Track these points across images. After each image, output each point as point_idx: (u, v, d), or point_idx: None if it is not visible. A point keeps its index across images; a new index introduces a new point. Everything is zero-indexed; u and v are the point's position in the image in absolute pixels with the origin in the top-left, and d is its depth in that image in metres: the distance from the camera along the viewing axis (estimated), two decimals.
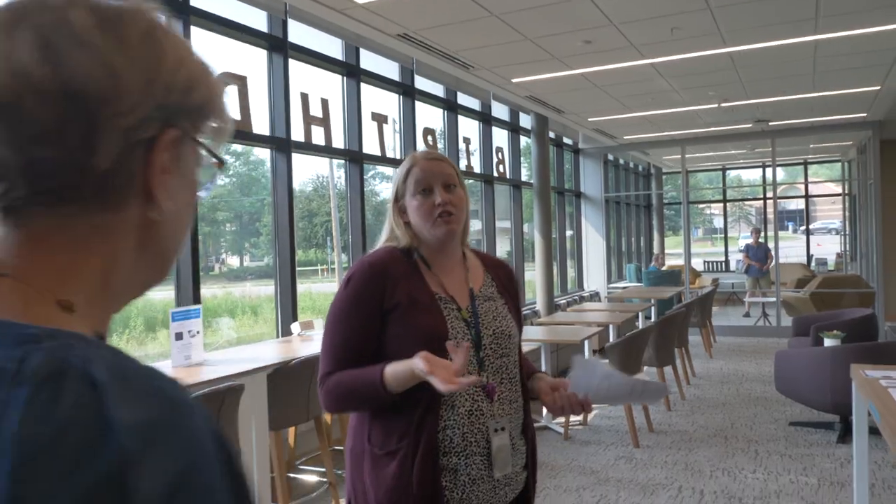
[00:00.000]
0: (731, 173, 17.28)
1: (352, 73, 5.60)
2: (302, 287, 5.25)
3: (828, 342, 5.38)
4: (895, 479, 4.23)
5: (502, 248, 8.80)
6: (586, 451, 4.99)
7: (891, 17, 4.92)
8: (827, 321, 6.45)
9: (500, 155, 7.93)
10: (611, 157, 11.52)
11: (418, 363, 1.45)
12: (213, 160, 0.62)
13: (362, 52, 5.64)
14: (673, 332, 6.36)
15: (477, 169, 7.55)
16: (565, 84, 6.58)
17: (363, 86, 5.71)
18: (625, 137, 10.31)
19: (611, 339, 7.07)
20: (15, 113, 0.49)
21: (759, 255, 11.76)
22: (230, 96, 0.67)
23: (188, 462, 0.44)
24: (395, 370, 1.52)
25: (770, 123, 9.25)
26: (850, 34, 5.27)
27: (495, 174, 7.74)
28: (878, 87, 7.18)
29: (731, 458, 4.73)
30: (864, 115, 8.85)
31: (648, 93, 7.11)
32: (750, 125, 9.36)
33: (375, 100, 6.24)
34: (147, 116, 0.53)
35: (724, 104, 7.73)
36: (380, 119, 5.88)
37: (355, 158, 5.62)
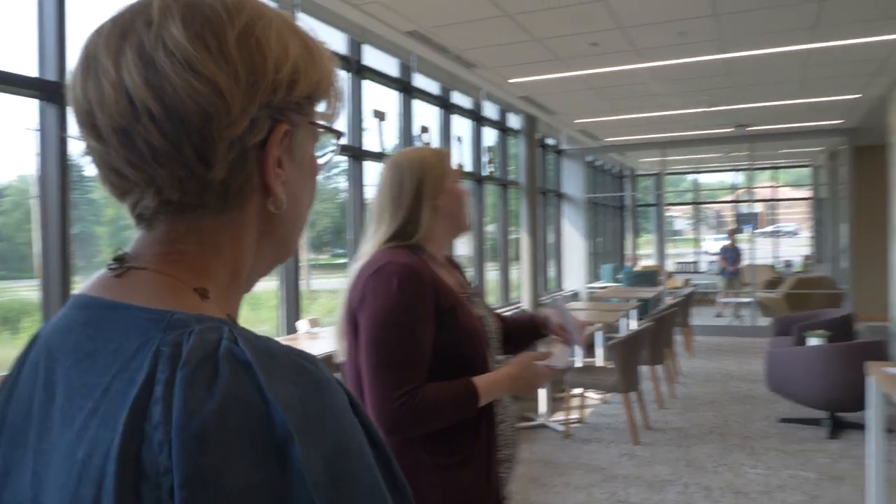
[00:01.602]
0: (688, 176, 17.71)
1: (356, 69, 5.57)
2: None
3: (813, 341, 5.57)
4: None
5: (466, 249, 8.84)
6: (588, 448, 5.06)
7: (882, 29, 5.10)
8: (808, 321, 6.66)
9: (490, 154, 7.97)
10: (589, 158, 11.67)
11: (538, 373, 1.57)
12: (330, 135, 0.63)
13: (362, 47, 5.61)
14: (663, 332, 6.50)
15: (468, 168, 7.57)
16: (562, 85, 6.65)
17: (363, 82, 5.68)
18: (607, 139, 10.46)
19: (595, 339, 7.18)
20: (130, 137, 0.51)
21: (733, 257, 12.07)
22: (339, 71, 0.66)
23: (339, 433, 0.47)
24: (491, 382, 1.52)
25: (749, 128, 9.49)
26: (842, 44, 5.44)
27: (484, 173, 7.78)
28: (859, 95, 7.43)
29: (730, 454, 4.85)
30: (842, 121, 9.15)
31: (640, 95, 7.23)
32: (730, 129, 9.59)
33: (373, 96, 6.21)
34: (255, 118, 0.53)
35: (711, 108, 7.90)
36: (380, 116, 5.85)
37: (357, 155, 5.58)
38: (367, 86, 5.81)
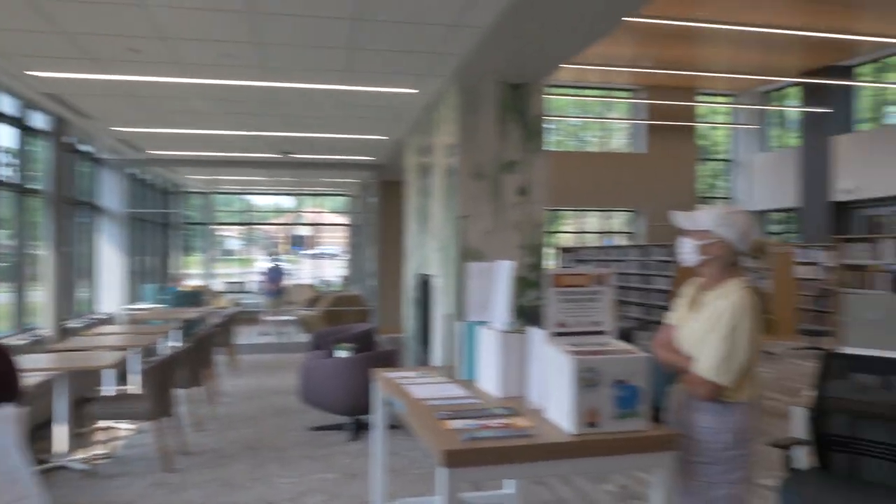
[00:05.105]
0: (243, 196, 18.18)
1: None
2: None
3: (340, 353, 6.14)
4: (402, 466, 5.06)
5: None
6: (114, 484, 4.66)
7: (399, 83, 5.97)
8: (339, 335, 7.32)
9: (7, 156, 6.83)
10: (131, 170, 10.95)
11: None
12: None
13: None
14: (204, 353, 6.41)
15: None
16: (98, 88, 6.10)
17: None
18: (153, 152, 9.94)
19: (134, 363, 6.73)
20: None
21: (274, 277, 12.61)
22: None
23: None
24: None
25: (294, 156, 10.09)
26: (367, 90, 6.19)
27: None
28: (386, 137, 8.55)
29: (264, 467, 5.00)
30: (373, 158, 10.39)
31: (185, 111, 7.07)
32: (277, 155, 10.04)
33: None
34: None
35: (256, 133, 8.16)
36: None
37: None
38: None
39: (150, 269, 12.75)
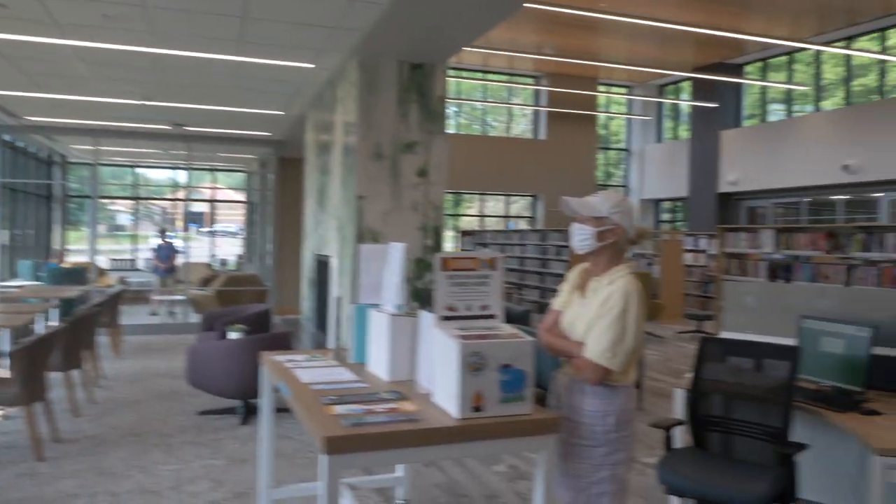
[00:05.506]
0: (136, 170, 17.23)
1: None
2: None
3: (232, 335, 5.93)
4: (293, 450, 4.95)
5: None
6: None
7: (297, 57, 5.77)
8: (232, 316, 7.08)
9: None
10: (7, 137, 10.15)
11: None
12: None
13: None
14: (83, 333, 6.03)
15: None
16: None
17: None
18: (30, 118, 9.22)
19: (3, 344, 6.25)
20: None
21: (166, 255, 12.05)
22: None
23: None
24: None
25: (186, 128, 9.62)
26: (263, 62, 5.95)
27: None
28: (283, 113, 8.27)
29: (146, 454, 4.77)
30: (270, 134, 10.04)
31: (65, 75, 6.57)
32: (167, 126, 9.54)
33: None
34: None
35: (144, 102, 7.71)
36: None
37: None
38: None
39: (27, 244, 11.90)
